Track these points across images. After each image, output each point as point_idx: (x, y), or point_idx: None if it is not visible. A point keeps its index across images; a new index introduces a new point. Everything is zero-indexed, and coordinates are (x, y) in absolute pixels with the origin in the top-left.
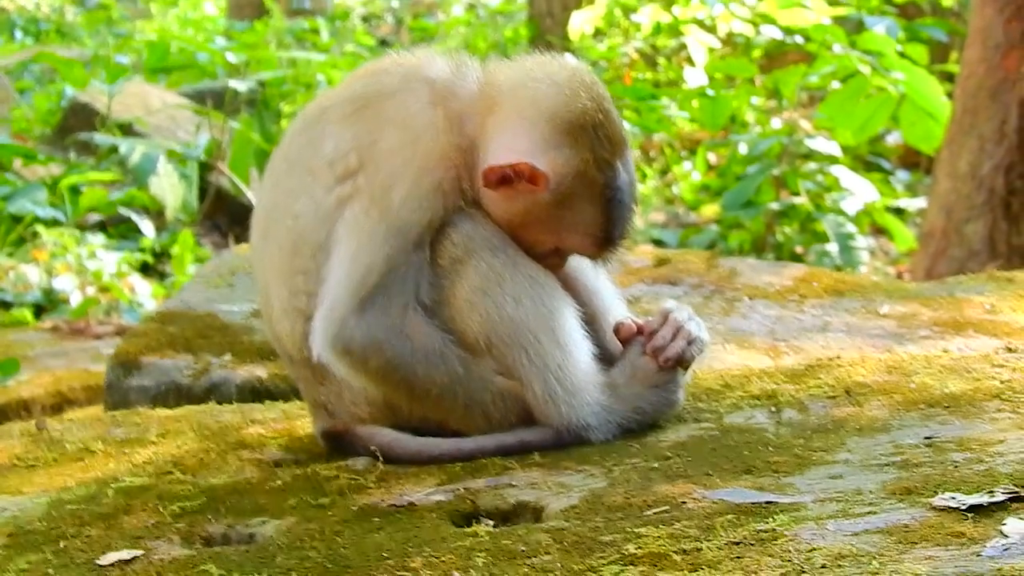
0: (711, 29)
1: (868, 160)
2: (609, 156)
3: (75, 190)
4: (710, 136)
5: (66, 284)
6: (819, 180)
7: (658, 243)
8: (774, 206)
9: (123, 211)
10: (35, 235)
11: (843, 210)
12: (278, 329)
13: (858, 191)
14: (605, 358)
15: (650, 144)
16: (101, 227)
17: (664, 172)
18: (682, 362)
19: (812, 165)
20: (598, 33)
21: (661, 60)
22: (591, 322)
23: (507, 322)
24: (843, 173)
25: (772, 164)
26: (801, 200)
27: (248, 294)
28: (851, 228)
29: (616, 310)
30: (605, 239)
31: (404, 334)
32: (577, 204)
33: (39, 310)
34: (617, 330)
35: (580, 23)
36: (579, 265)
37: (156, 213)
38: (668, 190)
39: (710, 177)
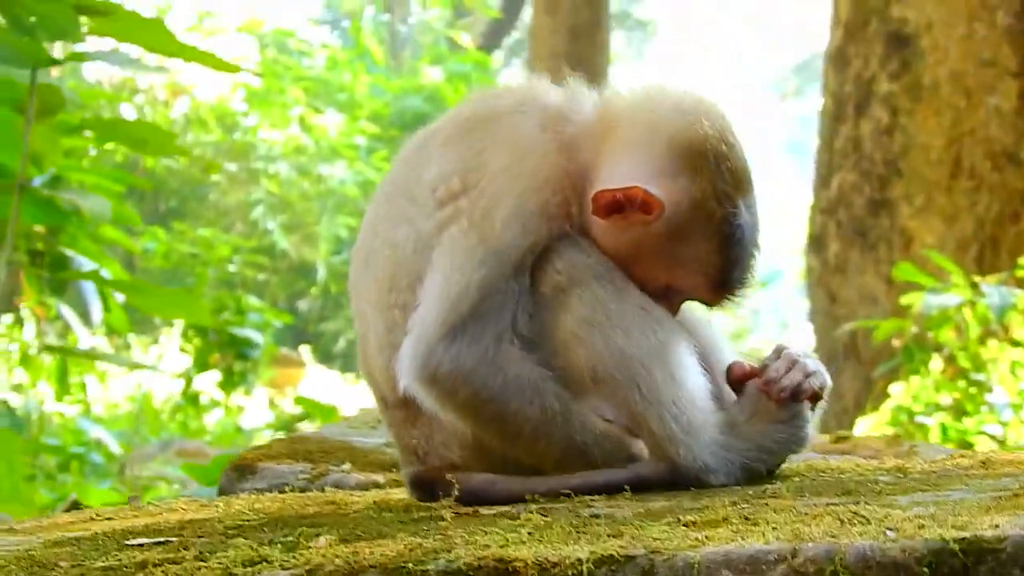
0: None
1: None
2: (731, 191)
3: None
4: None
5: None
6: None
7: None
8: None
9: None
10: None
11: None
12: (373, 367)
13: None
14: (719, 400)
15: None
16: None
17: None
18: (799, 395)
19: None
20: None
21: None
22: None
23: (616, 355)
24: None
25: None
26: None
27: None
28: None
29: (728, 354)
30: (721, 282)
31: (496, 365)
32: (692, 239)
33: None
34: (730, 370)
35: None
36: (690, 313)
37: None
38: None
39: None
